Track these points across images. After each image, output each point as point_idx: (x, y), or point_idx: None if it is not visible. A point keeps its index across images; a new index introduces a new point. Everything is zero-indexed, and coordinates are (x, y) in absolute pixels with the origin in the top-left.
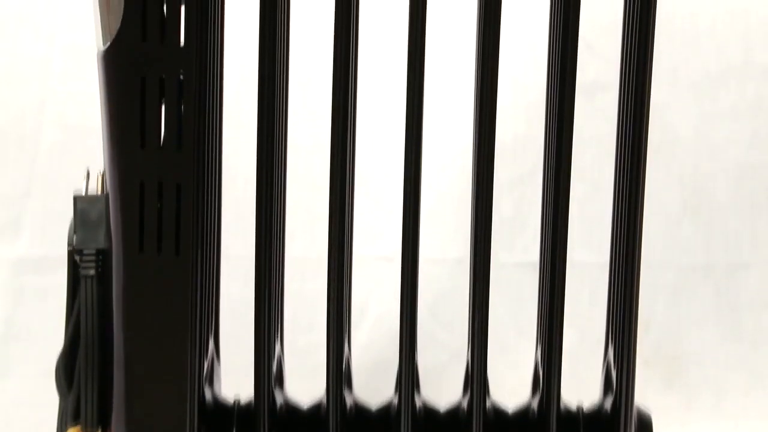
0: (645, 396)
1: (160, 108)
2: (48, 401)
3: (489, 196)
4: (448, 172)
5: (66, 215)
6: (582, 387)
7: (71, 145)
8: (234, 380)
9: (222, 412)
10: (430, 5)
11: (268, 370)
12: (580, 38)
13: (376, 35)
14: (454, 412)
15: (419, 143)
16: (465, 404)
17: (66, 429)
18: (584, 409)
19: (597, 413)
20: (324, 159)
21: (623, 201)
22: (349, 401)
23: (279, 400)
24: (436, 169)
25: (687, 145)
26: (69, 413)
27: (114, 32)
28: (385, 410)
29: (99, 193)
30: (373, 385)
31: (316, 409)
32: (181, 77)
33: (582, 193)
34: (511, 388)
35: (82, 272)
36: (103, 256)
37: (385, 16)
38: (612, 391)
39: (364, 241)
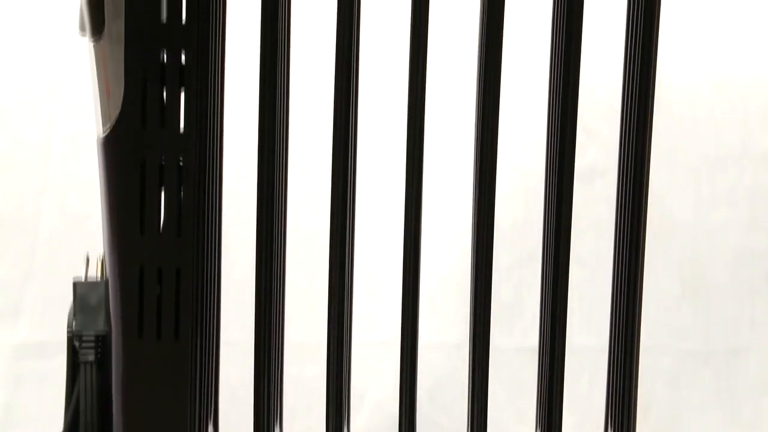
0: None
1: (160, 193)
2: None
3: (488, 280)
4: (447, 257)
5: (66, 300)
6: None
7: (71, 231)
8: None
9: None
10: (428, 97)
11: None
12: (578, 123)
13: (374, 119)
14: None
15: (418, 228)
16: None
17: None
18: None
19: None
20: (323, 244)
21: (622, 285)
22: None
23: None
24: (435, 253)
25: (685, 230)
26: None
27: (114, 118)
28: None
29: (99, 278)
30: None
31: None
32: (181, 163)
33: (581, 278)
34: None
35: (82, 357)
36: (102, 341)
37: (383, 109)
38: None
39: (364, 326)
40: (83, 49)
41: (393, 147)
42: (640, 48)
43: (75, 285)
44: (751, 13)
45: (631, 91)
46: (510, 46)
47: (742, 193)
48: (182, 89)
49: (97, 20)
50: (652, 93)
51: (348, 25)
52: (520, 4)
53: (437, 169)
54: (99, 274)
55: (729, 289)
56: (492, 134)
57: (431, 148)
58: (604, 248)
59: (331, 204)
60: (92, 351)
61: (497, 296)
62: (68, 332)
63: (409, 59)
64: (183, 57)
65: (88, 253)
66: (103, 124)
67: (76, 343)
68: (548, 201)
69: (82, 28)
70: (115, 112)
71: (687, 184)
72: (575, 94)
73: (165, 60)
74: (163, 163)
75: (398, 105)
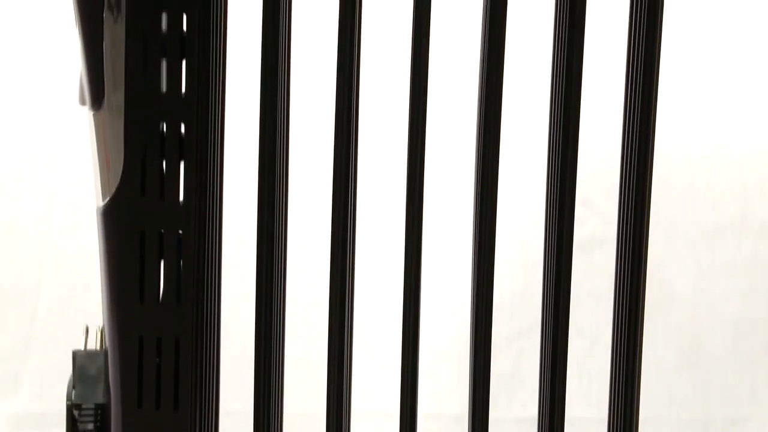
0: None
1: (159, 263)
2: None
3: (487, 351)
4: (447, 328)
5: (65, 371)
6: None
7: (70, 302)
8: None
9: None
10: (426, 171)
11: None
12: (577, 194)
13: (373, 193)
14: None
15: (417, 298)
16: None
17: None
18: None
19: None
20: (322, 315)
21: (621, 355)
22: None
23: None
24: (434, 324)
25: (684, 301)
26: None
27: (113, 188)
28: None
29: (98, 348)
30: None
31: None
32: (180, 233)
33: (580, 348)
34: None
35: (81, 427)
36: (101, 411)
37: (381, 184)
38: None
39: (363, 396)
40: (83, 120)
41: (391, 219)
42: (638, 118)
43: (74, 355)
44: (748, 84)
45: (630, 161)
46: (509, 116)
47: (740, 263)
48: (182, 159)
49: (96, 91)
50: (651, 163)
51: (347, 103)
52: (515, 85)
53: (436, 240)
54: (98, 345)
55: (728, 359)
56: (491, 205)
57: (430, 220)
58: (603, 319)
59: (330, 274)
60: (91, 421)
61: (497, 367)
62: (67, 402)
63: (408, 141)
64: (182, 128)
65: (87, 323)
66: (103, 195)
67: (76, 413)
68: (547, 271)
69: (82, 99)
70: (115, 182)
71: (686, 254)
72: (574, 164)
73: (164, 131)
74: (163, 233)
75: (396, 178)
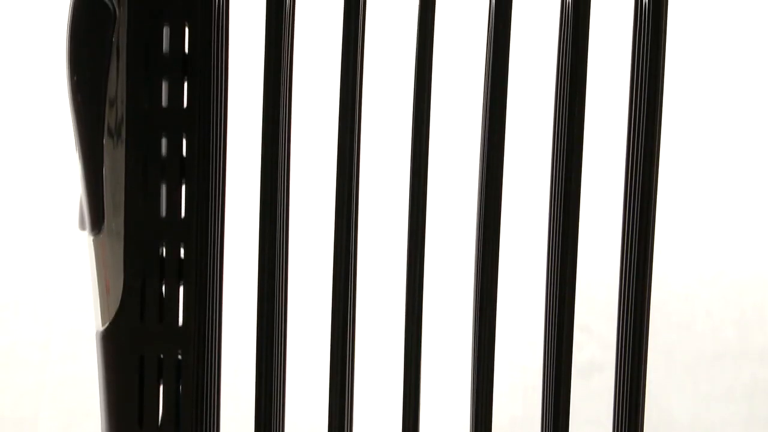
0: None
1: (159, 387)
2: None
3: None
4: None
5: None
6: None
7: (69, 429)
8: None
9: None
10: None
11: None
12: (576, 320)
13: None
14: None
15: (416, 424)
16: None
17: None
18: None
19: None
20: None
21: None
22: None
23: None
24: None
25: (683, 427)
26: None
27: (113, 313)
28: None
29: None
30: None
31: None
32: (179, 356)
33: None
34: None
35: None
36: None
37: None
38: None
39: None
40: (82, 246)
41: (389, 339)
42: (636, 245)
43: None
44: (746, 211)
45: (628, 288)
46: (508, 234)
47: (740, 390)
48: (180, 282)
49: (96, 216)
50: (649, 290)
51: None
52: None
53: (436, 364)
54: None
55: None
56: (490, 330)
57: (429, 343)
58: None
59: (330, 398)
60: None
61: None
62: None
63: (407, 268)
64: (182, 251)
65: None
66: (102, 318)
67: None
68: (546, 396)
69: (82, 224)
70: (114, 306)
71: (685, 380)
72: (572, 290)
73: (164, 254)
74: (162, 356)
75: (395, 297)
